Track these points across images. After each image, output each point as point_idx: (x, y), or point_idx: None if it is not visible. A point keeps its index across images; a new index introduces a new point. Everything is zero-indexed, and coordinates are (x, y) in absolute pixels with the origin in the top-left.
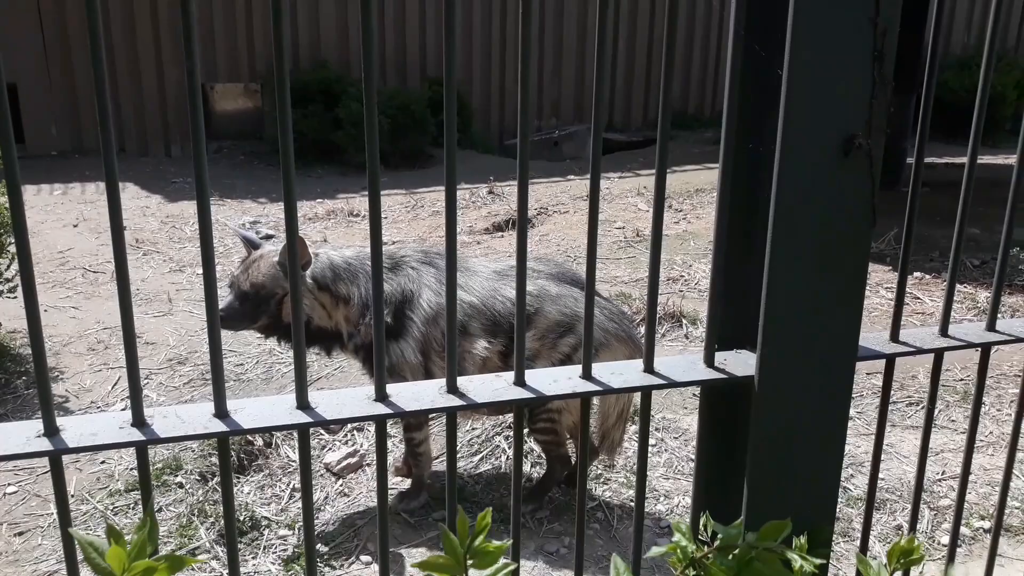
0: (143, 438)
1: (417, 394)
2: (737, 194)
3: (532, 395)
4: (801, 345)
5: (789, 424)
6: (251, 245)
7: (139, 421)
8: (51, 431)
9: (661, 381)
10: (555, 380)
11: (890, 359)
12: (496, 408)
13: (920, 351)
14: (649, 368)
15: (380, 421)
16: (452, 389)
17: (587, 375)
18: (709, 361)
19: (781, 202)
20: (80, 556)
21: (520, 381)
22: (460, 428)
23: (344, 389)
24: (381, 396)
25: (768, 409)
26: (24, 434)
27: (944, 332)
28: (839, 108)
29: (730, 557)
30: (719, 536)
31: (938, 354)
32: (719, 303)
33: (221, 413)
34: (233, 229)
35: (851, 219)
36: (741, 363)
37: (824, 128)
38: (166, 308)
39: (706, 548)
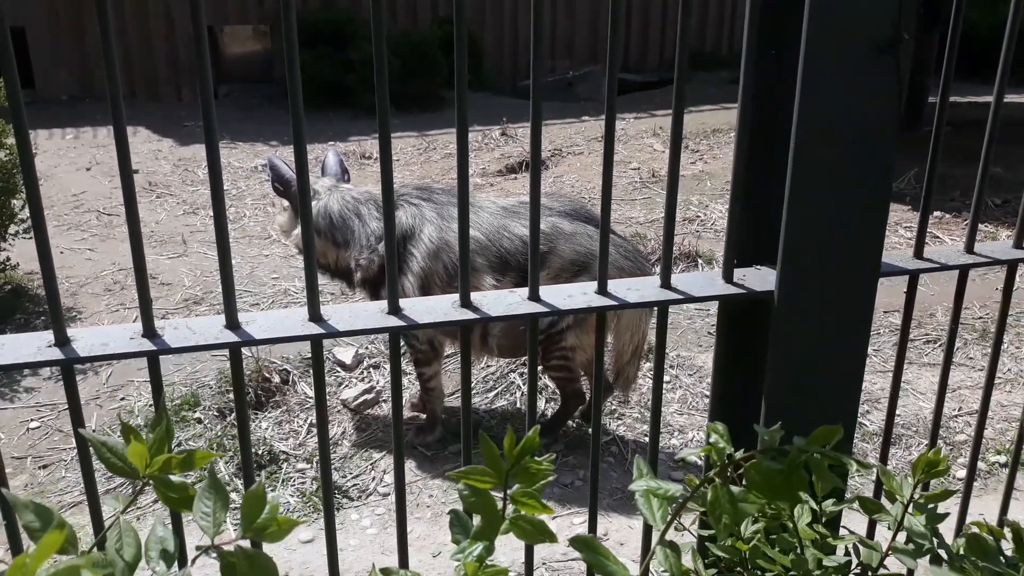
0: (154, 348)
1: (430, 308)
2: (759, 102)
3: (546, 309)
4: (823, 259)
5: (809, 340)
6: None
7: (150, 332)
8: (62, 341)
9: (678, 296)
10: (570, 295)
11: (914, 275)
12: (511, 351)
13: (945, 267)
14: (666, 284)
15: (394, 334)
16: (466, 303)
17: (602, 290)
18: (728, 277)
19: (805, 107)
20: (95, 460)
21: (534, 296)
22: (475, 365)
23: (357, 303)
24: (394, 309)
25: (788, 325)
26: (35, 344)
27: (970, 249)
28: (866, 6)
29: (773, 459)
30: (761, 438)
31: (963, 271)
32: (739, 215)
33: (232, 324)
34: (268, 160)
35: (877, 126)
36: (761, 279)
37: (850, 29)
38: (180, 250)
39: (747, 452)
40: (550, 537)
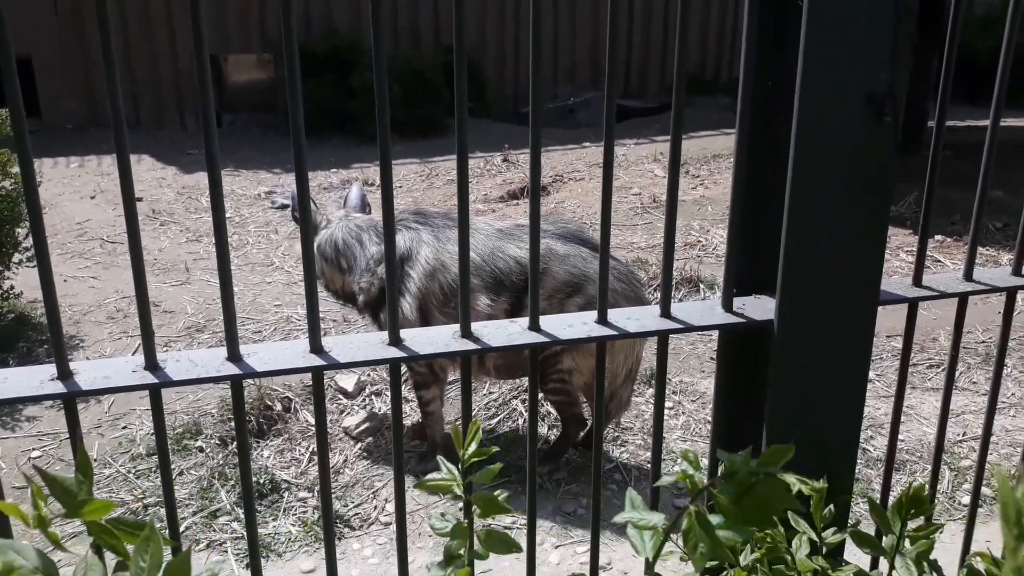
0: (156, 381)
1: (431, 339)
2: (757, 132)
3: (546, 339)
4: (822, 288)
5: (809, 369)
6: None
7: (152, 365)
8: (64, 374)
9: (678, 325)
10: (570, 325)
11: (913, 303)
12: (507, 371)
13: (944, 295)
14: (666, 313)
15: (394, 365)
16: (466, 333)
17: (602, 320)
18: (727, 306)
19: (802, 137)
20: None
21: (535, 326)
22: (477, 392)
23: (358, 334)
24: (395, 340)
25: (788, 353)
26: (38, 377)
27: (968, 276)
28: (862, 40)
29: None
30: (723, 463)
31: (962, 299)
32: (738, 245)
33: (234, 357)
34: (285, 191)
35: (875, 153)
36: (760, 308)
37: (846, 62)
38: (183, 277)
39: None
40: (515, 548)
